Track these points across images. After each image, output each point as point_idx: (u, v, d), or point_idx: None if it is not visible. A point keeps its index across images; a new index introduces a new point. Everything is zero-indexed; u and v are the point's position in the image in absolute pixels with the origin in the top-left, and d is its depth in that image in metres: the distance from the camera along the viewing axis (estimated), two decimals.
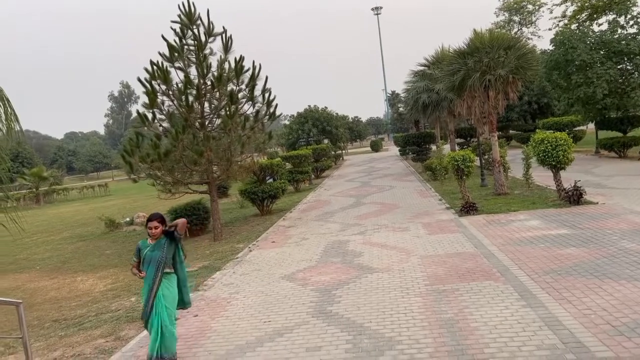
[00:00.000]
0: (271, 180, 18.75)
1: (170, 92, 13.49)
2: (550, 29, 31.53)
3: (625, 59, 20.87)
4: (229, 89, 13.86)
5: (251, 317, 6.49)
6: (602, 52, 20.72)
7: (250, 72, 13.95)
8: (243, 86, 14.01)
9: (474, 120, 15.56)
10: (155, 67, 13.18)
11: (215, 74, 13.68)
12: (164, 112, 13.54)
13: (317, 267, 8.79)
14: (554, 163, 12.16)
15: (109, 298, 9.27)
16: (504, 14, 58.33)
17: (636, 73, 20.82)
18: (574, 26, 27.08)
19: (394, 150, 57.06)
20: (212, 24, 13.68)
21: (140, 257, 5.62)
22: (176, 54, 13.57)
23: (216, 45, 14.21)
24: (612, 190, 13.43)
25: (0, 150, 5.72)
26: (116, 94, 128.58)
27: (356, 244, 10.25)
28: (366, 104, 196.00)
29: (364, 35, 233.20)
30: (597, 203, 11.52)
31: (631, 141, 21.57)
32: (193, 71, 13.84)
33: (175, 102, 13.63)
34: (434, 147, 28.59)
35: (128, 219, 20.33)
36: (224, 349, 5.52)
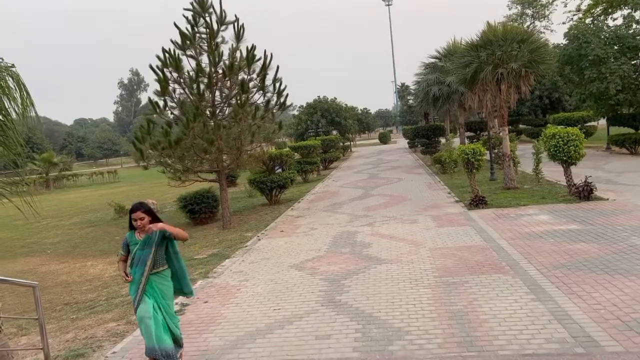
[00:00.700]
0: (280, 170, 18.80)
1: (182, 80, 13.54)
2: (564, 23, 31.25)
3: None
4: (240, 78, 13.88)
5: (260, 305, 6.54)
6: (616, 47, 20.47)
7: (261, 61, 13.97)
8: (254, 75, 14.02)
9: (485, 114, 15.46)
10: (167, 55, 13.22)
11: (227, 62, 13.70)
12: (175, 100, 13.59)
13: (325, 257, 8.84)
14: (565, 158, 12.10)
15: (119, 283, 9.36)
16: (516, 7, 57.67)
17: None
18: (588, 20, 26.74)
19: (403, 142, 56.92)
20: (225, 12, 13.67)
21: (128, 251, 5.11)
22: (188, 42, 13.57)
23: (228, 33, 14.24)
24: (622, 187, 13.35)
25: (16, 135, 5.76)
26: (126, 81, 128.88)
27: (365, 235, 10.28)
28: (375, 95, 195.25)
29: (374, 26, 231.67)
30: (608, 199, 11.46)
31: None
32: (204, 59, 13.88)
33: (186, 90, 13.68)
34: (443, 140, 28.48)
35: None
36: (234, 335, 5.58)
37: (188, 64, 13.67)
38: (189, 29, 13.64)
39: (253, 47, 13.76)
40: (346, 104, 42.61)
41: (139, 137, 13.26)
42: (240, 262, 9.13)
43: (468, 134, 25.97)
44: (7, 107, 5.73)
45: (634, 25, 21.44)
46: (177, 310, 6.66)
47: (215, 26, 13.55)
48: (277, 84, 14.34)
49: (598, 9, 28.36)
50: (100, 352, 5.58)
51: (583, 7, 30.06)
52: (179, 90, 13.61)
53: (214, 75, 13.50)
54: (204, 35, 13.77)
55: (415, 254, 8.31)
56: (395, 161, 31.22)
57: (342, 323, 5.58)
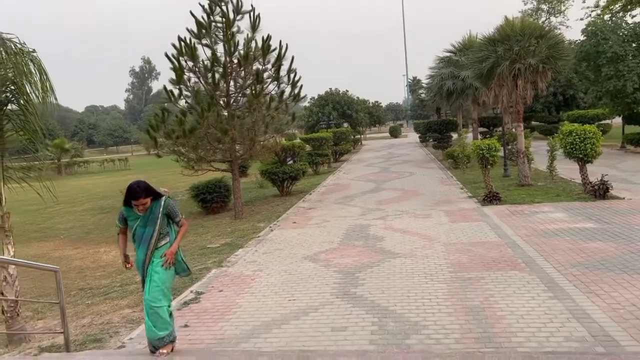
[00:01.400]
0: (291, 161, 18.79)
1: (197, 69, 13.53)
2: (581, 19, 30.81)
3: None
4: (254, 68, 13.85)
5: (275, 295, 6.56)
6: (634, 45, 20.18)
7: (276, 51, 13.92)
8: (269, 66, 13.98)
9: (501, 110, 15.33)
10: (182, 43, 13.21)
11: (242, 52, 13.66)
12: (190, 89, 13.59)
13: (339, 249, 8.84)
14: (581, 156, 11.98)
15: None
16: (532, 2, 57.05)
17: None
18: (606, 17, 26.39)
19: (413, 136, 56.65)
20: (241, 1, 13.61)
21: (126, 225, 4.86)
22: (204, 31, 13.55)
23: (243, 23, 14.17)
24: (638, 187, 13.21)
25: (37, 120, 5.78)
26: (137, 69, 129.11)
27: (378, 229, 10.26)
28: (385, 89, 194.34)
29: (386, 17, 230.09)
30: (624, 198, 11.35)
31: None
32: (219, 49, 13.87)
33: (201, 79, 13.68)
34: (455, 135, 28.31)
35: None
36: (250, 325, 5.59)
37: (203, 53, 13.68)
38: (205, 17, 13.61)
39: (269, 37, 13.71)
40: (358, 97, 42.45)
41: (154, 126, 13.28)
42: (253, 252, 9.15)
43: (481, 129, 25.76)
44: (28, 92, 5.76)
45: None
46: (192, 298, 6.72)
47: (231, 15, 13.51)
48: (292, 75, 14.30)
49: (617, 6, 27.98)
50: (117, 338, 5.62)
51: (602, 3, 29.66)
52: (193, 79, 13.62)
53: (229, 64, 13.48)
54: (219, 24, 13.73)
55: (430, 248, 8.28)
56: (407, 155, 31.11)
57: (357, 315, 5.58)
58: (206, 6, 13.59)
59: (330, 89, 40.04)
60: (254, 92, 13.20)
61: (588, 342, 4.47)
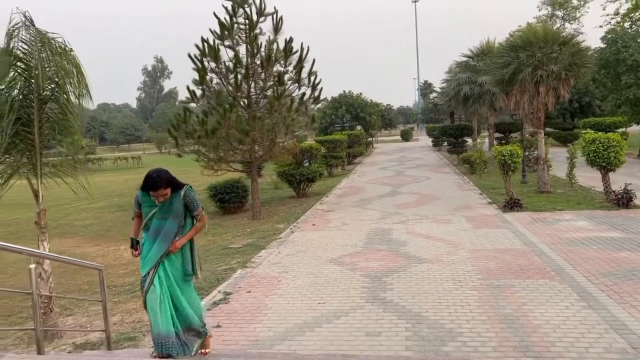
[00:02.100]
0: (307, 163, 18.82)
1: (219, 70, 13.59)
2: (600, 26, 30.64)
3: None
4: (276, 70, 13.90)
5: (304, 298, 6.57)
6: None
7: (297, 54, 13.95)
8: (290, 67, 14.02)
9: (522, 116, 15.26)
10: (205, 44, 13.28)
11: (263, 54, 13.71)
12: (211, 90, 13.65)
13: (362, 253, 8.83)
14: (604, 164, 11.91)
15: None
16: (547, 8, 56.84)
17: None
18: (626, 24, 26.21)
19: (424, 140, 56.51)
20: (264, 3, 13.66)
21: (140, 210, 4.47)
22: (226, 32, 13.62)
23: (265, 25, 14.22)
24: None
25: (77, 119, 5.84)
26: (150, 68, 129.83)
27: (399, 233, 10.24)
28: (395, 92, 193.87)
29: (396, 22, 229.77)
30: None
31: None
32: (241, 50, 13.92)
33: (223, 80, 13.74)
34: (469, 141, 28.23)
35: None
36: (282, 327, 5.60)
37: (225, 54, 13.74)
38: (227, 19, 13.67)
39: (291, 40, 13.75)
40: (371, 100, 42.47)
41: (175, 125, 13.37)
42: (276, 254, 9.17)
43: (496, 134, 25.66)
44: (67, 91, 5.82)
45: None
46: (221, 298, 6.75)
47: (254, 17, 13.55)
48: (312, 78, 14.33)
49: (637, 13, 27.77)
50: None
51: (622, 11, 29.48)
52: (215, 79, 13.69)
53: (251, 66, 13.53)
54: (242, 26, 13.79)
55: (455, 254, 8.26)
56: (420, 159, 31.03)
57: (390, 321, 5.58)
58: (229, 8, 13.67)
59: (344, 91, 40.18)
60: (275, 93, 13.23)
61: (630, 355, 4.44)
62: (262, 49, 13.67)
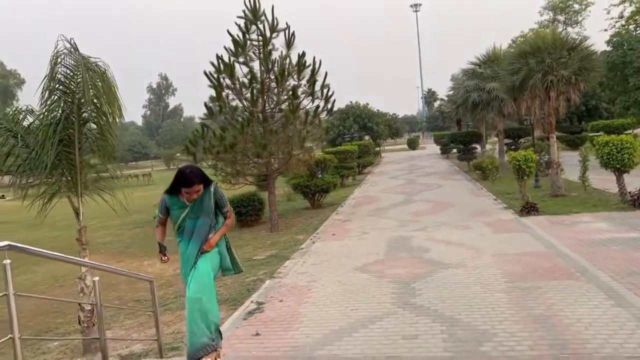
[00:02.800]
0: (320, 174, 19.04)
1: (234, 86, 13.89)
2: (605, 30, 30.97)
3: None
4: (290, 84, 14.19)
5: (336, 305, 6.73)
6: None
7: (310, 67, 14.24)
8: (303, 81, 14.31)
9: (534, 121, 15.45)
10: (220, 62, 13.60)
11: (276, 69, 14.00)
12: (228, 106, 13.94)
13: (386, 260, 9.00)
14: (618, 166, 12.06)
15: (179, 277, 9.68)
16: (548, 13, 57.20)
17: None
18: (631, 27, 26.43)
19: (432, 148, 56.70)
20: (277, 19, 13.98)
21: (168, 214, 4.44)
22: (240, 49, 13.95)
23: (278, 40, 14.53)
24: None
25: (114, 138, 6.08)
26: (154, 85, 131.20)
27: (420, 240, 10.41)
28: (398, 101, 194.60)
29: (398, 30, 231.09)
30: None
31: None
32: (255, 66, 14.23)
33: (238, 96, 14.03)
34: (478, 148, 28.40)
35: None
36: (319, 333, 5.77)
37: (240, 71, 14.05)
38: (240, 36, 14.00)
39: (304, 54, 14.05)
40: (378, 110, 42.80)
41: (192, 141, 13.66)
42: (301, 264, 9.35)
43: (506, 140, 25.85)
44: (106, 112, 6.07)
45: None
46: (255, 308, 6.93)
47: (267, 33, 13.87)
48: (325, 90, 14.61)
49: None
50: None
51: (626, 14, 29.73)
52: (231, 96, 13.99)
53: (266, 81, 13.82)
54: (255, 43, 14.11)
55: (479, 259, 8.41)
56: (430, 167, 31.21)
57: (425, 324, 5.73)
58: (242, 25, 14.00)
59: (351, 102, 40.54)
60: (291, 107, 13.49)
61: None
62: (276, 65, 13.98)
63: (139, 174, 49.27)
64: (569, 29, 52.96)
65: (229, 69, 13.44)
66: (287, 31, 14.05)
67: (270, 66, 13.69)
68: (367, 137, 38.97)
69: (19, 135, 5.87)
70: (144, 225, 18.79)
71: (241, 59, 14.06)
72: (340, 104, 40.85)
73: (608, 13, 31.34)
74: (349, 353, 5.17)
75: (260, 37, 13.79)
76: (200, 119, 14.83)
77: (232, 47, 13.84)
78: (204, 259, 4.43)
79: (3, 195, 46.96)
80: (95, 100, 5.84)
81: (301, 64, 13.91)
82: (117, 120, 6.19)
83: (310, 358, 5.07)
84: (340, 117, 38.96)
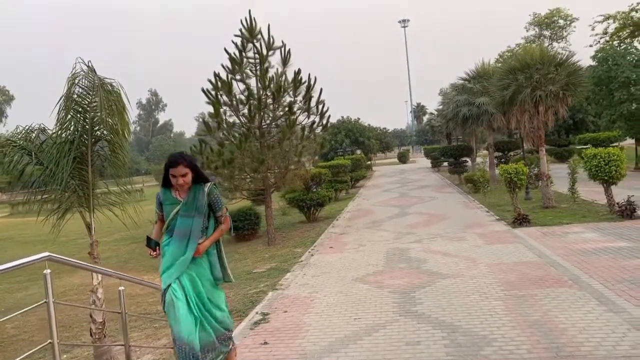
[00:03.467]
0: (315, 189, 19.30)
1: (232, 103, 14.18)
2: (590, 46, 31.84)
3: None
4: (286, 100, 14.50)
5: (339, 315, 6.95)
6: None
7: (306, 84, 14.57)
8: (299, 98, 14.63)
9: (524, 134, 15.87)
10: (218, 79, 13.90)
11: (273, 86, 14.31)
12: (225, 122, 14.21)
13: (385, 271, 9.24)
14: (606, 178, 12.45)
15: None
16: (534, 29, 58.37)
17: None
18: (615, 43, 27.22)
19: (422, 162, 57.24)
20: (273, 38, 14.32)
21: (162, 211, 4.23)
22: (237, 67, 14.26)
23: (274, 58, 14.86)
24: None
25: (125, 155, 6.31)
26: (144, 101, 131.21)
27: (417, 252, 10.67)
28: (386, 115, 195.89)
29: (383, 44, 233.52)
30: None
31: None
32: (251, 83, 14.54)
33: (235, 112, 14.31)
34: (468, 161, 28.87)
35: None
36: (325, 341, 5.99)
37: (237, 87, 14.35)
38: (237, 54, 14.32)
39: (299, 71, 14.37)
40: (369, 124, 43.32)
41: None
42: (302, 276, 9.56)
43: (495, 154, 26.36)
44: (117, 130, 6.31)
45: None
46: (260, 319, 7.13)
47: (264, 51, 14.20)
48: (320, 106, 14.94)
49: (625, 32, 28.83)
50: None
51: (610, 31, 30.58)
52: (229, 112, 14.26)
53: (263, 98, 14.12)
54: (251, 60, 14.44)
55: (475, 269, 8.68)
56: (421, 180, 31.61)
57: (426, 331, 5.98)
58: (239, 43, 14.33)
59: (342, 117, 40.96)
60: (288, 122, 13.79)
61: None
62: (273, 82, 14.29)
63: (131, 190, 49.08)
64: (555, 44, 54.16)
65: (227, 86, 13.73)
66: (282, 49, 14.39)
67: (267, 83, 13.99)
68: (358, 151, 39.38)
69: (33, 153, 6.07)
70: (141, 241, 18.85)
71: (238, 76, 14.35)
72: (331, 119, 41.35)
73: (593, 29, 32.36)
74: (355, 358, 5.39)
75: (257, 55, 14.10)
76: (198, 135, 15.07)
77: (230, 65, 14.13)
78: (191, 277, 4.17)
79: None
80: (109, 119, 6.08)
81: (297, 81, 14.24)
82: (126, 136, 6.41)
83: None
84: (332, 132, 39.35)
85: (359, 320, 6.61)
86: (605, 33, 31.67)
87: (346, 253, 11.40)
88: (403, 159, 63.92)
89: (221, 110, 13.89)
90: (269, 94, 14.17)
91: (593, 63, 22.50)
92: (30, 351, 3.64)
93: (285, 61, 14.46)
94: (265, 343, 6.10)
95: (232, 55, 14.18)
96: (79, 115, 6.04)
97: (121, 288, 4.39)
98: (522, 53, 15.00)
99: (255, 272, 10.56)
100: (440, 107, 29.73)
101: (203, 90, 13.84)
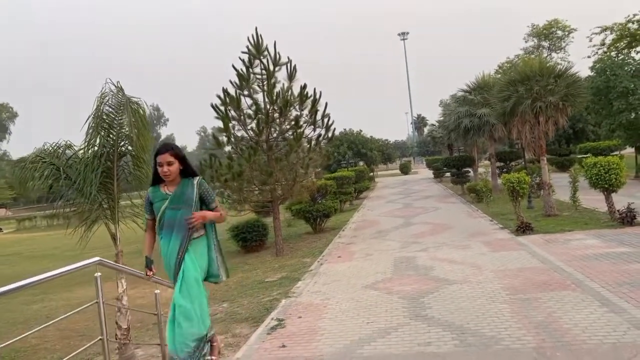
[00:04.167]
0: (320, 200, 19.63)
1: (240, 117, 14.59)
2: (589, 57, 32.35)
3: None
4: (292, 114, 14.92)
5: (352, 319, 7.26)
6: None
7: (312, 98, 14.99)
8: (305, 111, 15.04)
9: (525, 144, 16.24)
10: (226, 95, 14.34)
11: (279, 101, 14.73)
12: (234, 136, 14.61)
13: (394, 278, 9.55)
14: (606, 186, 12.79)
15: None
16: (532, 40, 58.99)
17: None
18: (613, 54, 27.72)
19: (423, 172, 57.64)
20: (279, 54, 14.77)
21: (153, 215, 4.23)
22: (244, 82, 14.70)
23: (280, 74, 15.29)
24: None
25: (149, 168, 6.67)
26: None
27: (424, 260, 10.98)
28: (387, 126, 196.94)
29: (382, 55, 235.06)
30: None
31: None
32: (258, 98, 14.97)
33: (244, 126, 14.72)
34: (470, 171, 29.24)
35: None
36: (341, 344, 6.29)
37: (244, 102, 14.78)
38: (244, 70, 14.77)
39: (305, 86, 14.79)
40: (371, 136, 43.76)
41: (201, 170, 14.25)
42: (313, 284, 9.87)
43: (497, 164, 26.73)
44: (141, 145, 6.68)
45: None
46: (276, 324, 7.43)
47: (271, 67, 14.64)
48: (326, 120, 15.35)
49: (622, 43, 29.36)
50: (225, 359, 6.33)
51: (607, 42, 31.11)
52: (237, 126, 14.67)
53: (271, 112, 14.53)
54: (258, 76, 14.87)
55: (481, 275, 8.99)
56: (424, 191, 31.95)
57: (437, 333, 6.28)
58: (245, 60, 14.79)
59: (345, 129, 41.41)
60: (295, 136, 14.18)
61: None
62: (279, 96, 14.71)
63: (138, 204, 49.48)
64: (554, 54, 54.72)
65: (235, 102, 14.15)
66: (288, 65, 14.84)
67: (274, 98, 14.40)
68: (361, 163, 39.79)
69: (61, 168, 6.43)
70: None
71: (245, 92, 14.78)
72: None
73: (590, 41, 32.87)
74: (372, 358, 5.70)
75: (264, 71, 14.53)
76: (209, 149, 15.45)
77: (237, 81, 14.57)
78: (190, 262, 4.19)
79: (0, 229, 47.03)
80: (133, 136, 6.44)
81: (303, 95, 14.65)
82: (147, 151, 6.77)
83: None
84: (334, 144, 39.80)
85: (372, 324, 6.92)
86: (603, 44, 32.24)
87: (354, 262, 11.70)
88: (405, 170, 64.34)
89: (230, 124, 14.28)
90: (276, 108, 14.57)
91: (591, 73, 22.93)
92: (85, 346, 3.97)
93: (291, 76, 14.89)
94: (284, 346, 6.41)
95: (240, 71, 14.63)
96: (105, 132, 6.41)
97: (157, 291, 4.70)
98: (522, 65, 15.40)
99: (267, 281, 10.86)
100: (442, 118, 30.15)
101: (212, 106, 14.25)
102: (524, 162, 19.04)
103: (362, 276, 10.04)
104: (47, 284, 14.20)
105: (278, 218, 15.25)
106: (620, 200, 13.22)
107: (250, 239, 16.33)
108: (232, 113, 14.51)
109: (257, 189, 14.81)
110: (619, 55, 25.64)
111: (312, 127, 15.15)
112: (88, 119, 6.16)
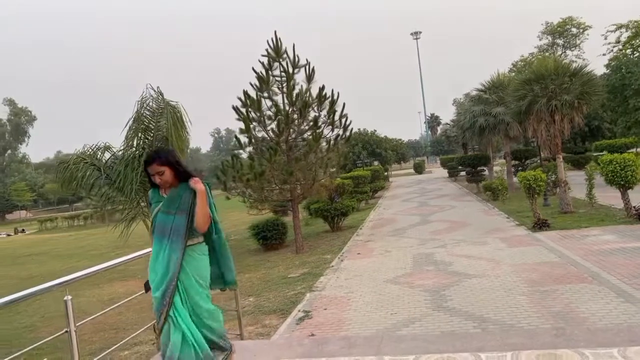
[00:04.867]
0: (337, 199, 19.96)
1: (261, 119, 14.99)
2: (604, 54, 32.25)
3: None
4: (311, 115, 15.28)
5: (377, 311, 7.60)
6: None
7: (329, 100, 15.34)
8: (324, 112, 15.39)
9: (540, 142, 16.43)
10: (247, 97, 14.75)
11: (298, 102, 15.10)
12: (255, 137, 15.01)
13: (414, 273, 9.86)
14: (622, 183, 12.96)
15: (226, 299, 10.53)
16: (547, 37, 58.69)
17: None
18: (628, 51, 27.68)
19: (438, 172, 57.67)
20: (298, 57, 15.13)
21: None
22: (264, 85, 15.09)
23: (299, 76, 15.65)
24: None
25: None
26: None
27: (442, 255, 11.27)
28: (399, 125, 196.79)
29: (395, 55, 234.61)
30: None
31: None
32: (278, 99, 15.35)
33: (264, 128, 15.12)
34: (486, 169, 29.35)
35: None
36: (367, 332, 6.63)
37: (264, 104, 15.17)
38: (264, 72, 15.16)
39: (323, 87, 15.13)
40: (385, 136, 44.00)
41: (223, 170, 14.69)
42: (335, 279, 10.22)
43: (513, 162, 26.86)
44: (178, 145, 7.07)
45: None
46: (303, 316, 7.79)
47: (290, 70, 15.01)
48: (344, 120, 15.69)
49: (637, 40, 29.25)
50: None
51: (623, 39, 31.01)
52: (258, 127, 15.06)
53: (291, 113, 14.91)
54: (277, 78, 15.26)
55: (499, 269, 9.27)
56: (439, 190, 32.13)
57: (459, 322, 6.60)
58: (265, 63, 15.18)
59: (359, 129, 41.65)
60: (314, 136, 14.54)
61: None
62: (299, 98, 15.08)
63: None
64: (568, 52, 54.40)
65: (256, 104, 14.54)
66: (307, 67, 15.19)
67: (293, 99, 14.77)
68: (376, 163, 40.05)
69: (101, 169, 6.85)
70: None
71: (265, 94, 15.18)
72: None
73: (605, 38, 32.79)
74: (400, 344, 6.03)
75: (284, 74, 14.91)
76: (231, 150, 15.87)
77: (257, 83, 14.97)
78: (190, 283, 3.82)
79: (23, 230, 48.08)
80: (170, 138, 6.84)
81: (321, 97, 15.01)
82: (185, 149, 7.16)
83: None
84: (349, 144, 40.10)
85: (396, 315, 7.25)
86: (618, 42, 32.10)
87: (374, 258, 12.03)
88: (419, 169, 64.39)
89: (250, 126, 14.68)
90: (295, 109, 14.94)
91: (607, 71, 22.98)
92: (140, 330, 4.35)
93: (309, 78, 15.24)
94: (312, 335, 6.76)
95: (260, 74, 15.02)
96: (143, 134, 6.81)
97: None
98: (537, 64, 15.59)
99: (290, 277, 11.22)
100: (456, 117, 30.35)
101: (233, 108, 14.67)
102: (540, 160, 19.19)
103: (382, 271, 10.37)
104: (77, 283, 14.72)
105: (297, 216, 15.61)
106: (636, 197, 13.37)
107: (270, 237, 16.70)
108: (253, 114, 14.90)
109: (277, 188, 15.18)
110: (635, 52, 25.65)
111: (331, 127, 15.49)
112: (128, 122, 6.57)
